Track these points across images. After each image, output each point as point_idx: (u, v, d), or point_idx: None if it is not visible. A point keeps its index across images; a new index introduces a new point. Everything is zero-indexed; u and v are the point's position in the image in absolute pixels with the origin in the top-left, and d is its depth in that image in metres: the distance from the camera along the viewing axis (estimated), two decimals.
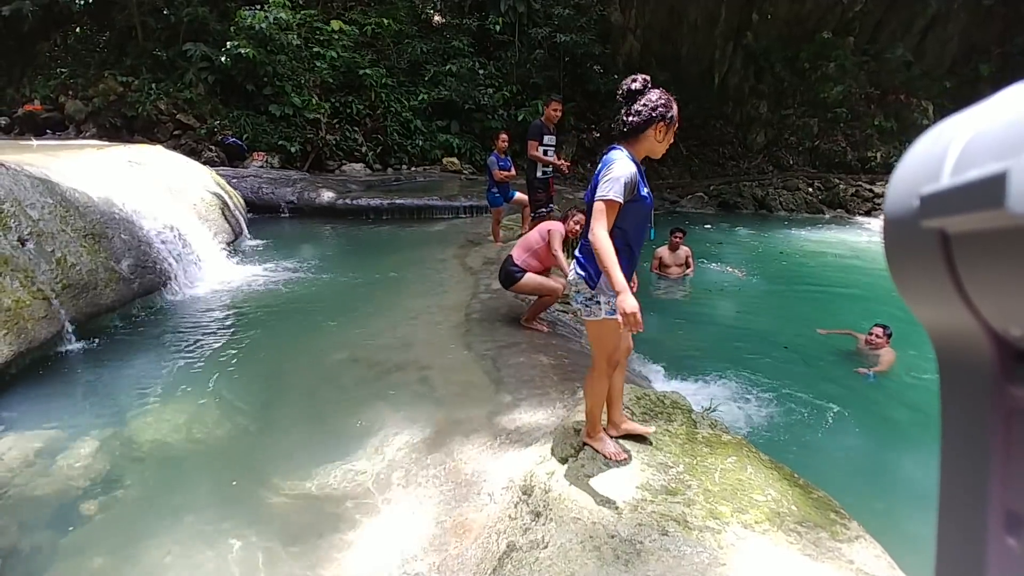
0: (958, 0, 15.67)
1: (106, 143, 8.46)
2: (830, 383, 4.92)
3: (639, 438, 2.64)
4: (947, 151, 0.26)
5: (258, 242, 8.00)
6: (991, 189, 0.22)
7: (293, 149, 12.50)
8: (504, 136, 7.18)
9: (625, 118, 2.31)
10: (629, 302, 2.16)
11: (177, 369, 4.13)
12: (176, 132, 12.35)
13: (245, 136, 12.31)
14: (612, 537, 2.07)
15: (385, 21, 14.23)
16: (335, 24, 13.49)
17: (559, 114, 6.31)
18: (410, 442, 3.13)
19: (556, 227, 4.50)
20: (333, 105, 13.45)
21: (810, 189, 15.18)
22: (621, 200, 2.24)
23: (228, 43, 11.90)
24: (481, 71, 14.84)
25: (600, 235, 2.23)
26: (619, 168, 2.26)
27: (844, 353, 5.48)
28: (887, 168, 15.34)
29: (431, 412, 3.40)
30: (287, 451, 3.18)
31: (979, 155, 0.24)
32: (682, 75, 16.04)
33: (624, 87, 2.33)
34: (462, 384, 3.72)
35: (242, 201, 8.41)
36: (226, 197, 7.59)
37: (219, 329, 4.92)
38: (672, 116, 2.30)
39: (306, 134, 12.81)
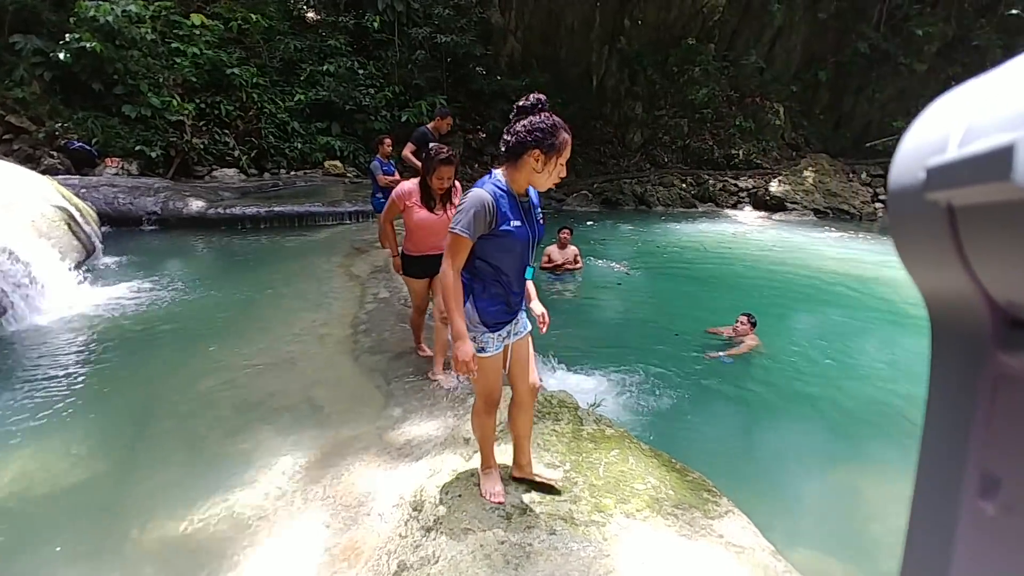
0: (799, 14, 17.55)
1: None
2: (704, 369, 5.33)
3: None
4: (953, 124, 0.26)
5: (116, 259, 7.22)
6: (997, 161, 0.22)
7: (154, 154, 11.39)
8: (388, 140, 7.04)
9: (504, 136, 2.04)
10: (463, 350, 2.03)
11: (19, 409, 3.61)
12: (7, 136, 10.81)
13: (95, 140, 11.03)
14: (502, 543, 2.10)
15: (253, 16, 13.39)
16: (196, 18, 12.48)
17: (448, 129, 6.39)
18: (296, 467, 2.98)
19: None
20: (198, 106, 12.44)
21: (683, 185, 16.31)
22: (468, 235, 1.99)
23: (67, 36, 10.61)
24: (361, 71, 14.41)
25: (445, 272, 2.02)
26: (471, 198, 2.01)
27: (716, 342, 5.95)
28: (748, 164, 16.89)
29: (318, 433, 3.26)
30: (159, 490, 2.91)
31: (985, 128, 0.24)
32: (562, 76, 16.62)
33: (516, 105, 2.08)
34: (350, 400, 3.60)
35: (95, 214, 7.54)
36: (73, 210, 6.77)
37: (71, 361, 4.38)
38: (552, 145, 1.98)
39: (168, 137, 11.73)
